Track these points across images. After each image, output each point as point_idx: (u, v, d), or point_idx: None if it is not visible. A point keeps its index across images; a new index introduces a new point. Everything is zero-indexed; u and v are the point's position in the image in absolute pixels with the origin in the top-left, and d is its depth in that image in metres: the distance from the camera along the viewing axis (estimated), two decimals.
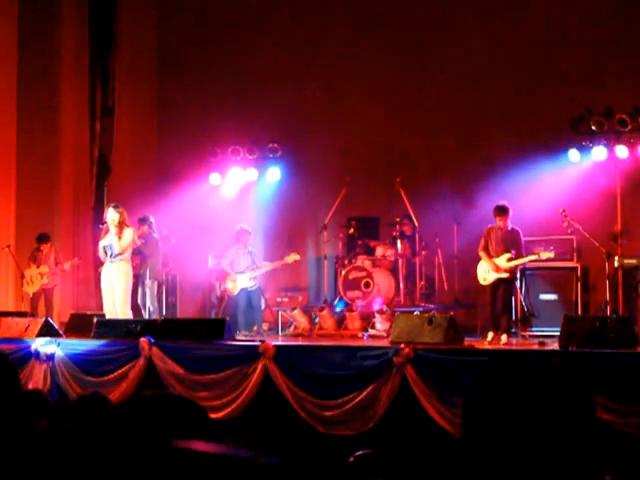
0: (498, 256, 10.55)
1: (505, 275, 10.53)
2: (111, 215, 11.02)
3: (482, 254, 10.69)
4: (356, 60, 14.94)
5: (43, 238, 13.67)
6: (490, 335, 10.31)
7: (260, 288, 13.39)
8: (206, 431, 2.93)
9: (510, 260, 10.46)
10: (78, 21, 15.33)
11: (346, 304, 13.12)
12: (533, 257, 10.79)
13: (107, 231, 11.05)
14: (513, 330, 11.95)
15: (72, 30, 15.22)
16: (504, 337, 10.23)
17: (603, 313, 11.24)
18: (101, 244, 11.15)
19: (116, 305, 10.90)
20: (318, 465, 7.72)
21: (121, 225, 10.97)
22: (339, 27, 15.09)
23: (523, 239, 10.68)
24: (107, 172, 15.65)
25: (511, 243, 10.55)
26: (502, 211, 10.62)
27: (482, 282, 10.83)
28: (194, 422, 2.98)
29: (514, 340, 11.31)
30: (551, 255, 11.08)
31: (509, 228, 10.62)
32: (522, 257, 10.57)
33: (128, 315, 10.96)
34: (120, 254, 10.94)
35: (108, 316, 10.89)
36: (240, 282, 12.96)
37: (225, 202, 15.34)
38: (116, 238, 10.90)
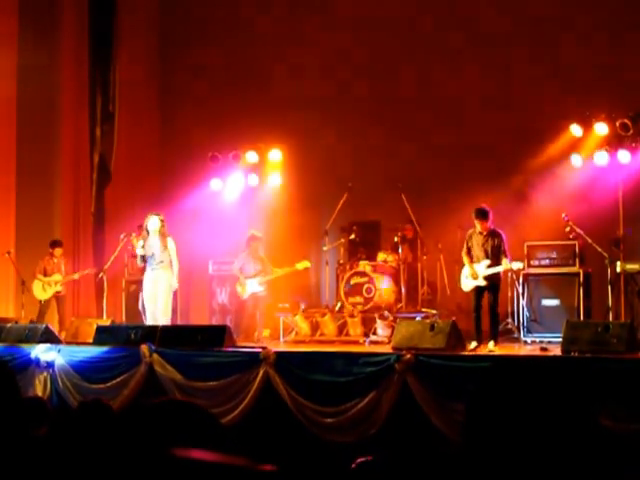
0: (478, 262, 10.37)
1: (483, 283, 10.30)
2: (155, 224, 11.17)
3: (464, 258, 10.51)
4: (359, 64, 14.93)
5: (57, 243, 13.83)
6: (473, 344, 9.89)
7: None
8: (217, 437, 2.89)
9: (489, 267, 10.26)
10: (78, 27, 15.34)
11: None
12: (504, 267, 10.43)
13: (145, 238, 11.22)
14: (515, 336, 11.90)
15: (72, 36, 15.23)
16: (491, 344, 10.03)
17: (605, 318, 11.20)
18: (140, 252, 11.25)
19: (158, 309, 11.02)
20: (319, 472, 7.68)
21: (163, 234, 11.21)
22: (341, 31, 15.07)
23: (506, 243, 10.43)
24: (107, 178, 15.62)
25: (491, 248, 10.33)
26: (478, 215, 10.41)
27: (463, 288, 10.67)
28: (205, 429, 2.95)
29: (516, 346, 11.27)
30: (520, 266, 10.79)
31: (489, 232, 10.41)
32: (499, 264, 10.30)
33: (169, 320, 11.10)
34: (162, 261, 11.12)
35: (150, 323, 10.91)
36: (249, 287, 13.02)
37: (226, 207, 15.32)
38: (162, 246, 11.12)
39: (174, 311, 14.30)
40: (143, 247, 11.30)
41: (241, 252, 13.42)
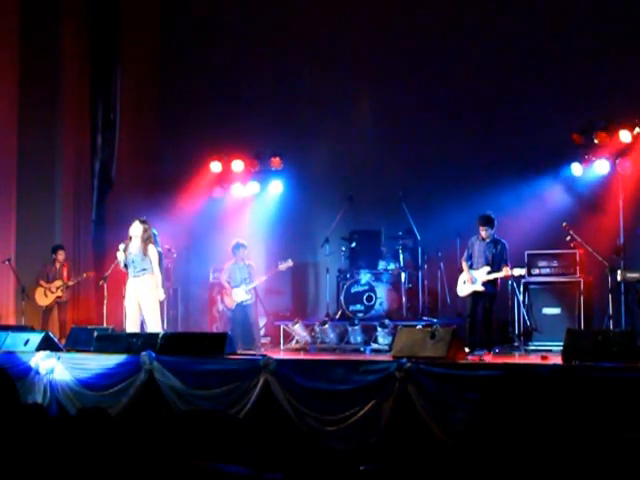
0: (478, 268, 10.39)
1: (480, 289, 10.30)
2: (137, 229, 10.95)
3: (463, 264, 10.56)
4: (360, 74, 14.93)
5: (59, 246, 13.95)
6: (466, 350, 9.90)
7: (261, 302, 13.37)
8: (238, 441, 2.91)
9: (489, 273, 10.27)
10: (80, 35, 15.35)
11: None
12: (505, 273, 10.45)
13: (128, 245, 10.98)
14: (516, 344, 11.88)
15: (74, 44, 15.24)
16: (484, 353, 10.00)
17: (606, 327, 11.20)
18: (121, 258, 11.04)
19: (147, 320, 10.75)
20: None
21: (145, 240, 10.89)
22: (343, 41, 15.08)
23: (508, 252, 10.44)
24: (108, 185, 15.63)
25: (492, 255, 10.35)
26: (482, 221, 10.45)
27: (459, 293, 10.69)
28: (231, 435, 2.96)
29: (516, 354, 11.25)
30: (522, 272, 10.84)
31: (492, 240, 10.42)
32: (498, 271, 10.29)
33: (160, 328, 10.78)
34: (144, 269, 10.83)
35: (129, 331, 10.78)
36: (236, 296, 12.99)
37: (227, 215, 15.32)
38: (141, 253, 10.85)
39: (175, 319, 14.32)
40: (125, 251, 10.92)
41: (227, 261, 13.41)
